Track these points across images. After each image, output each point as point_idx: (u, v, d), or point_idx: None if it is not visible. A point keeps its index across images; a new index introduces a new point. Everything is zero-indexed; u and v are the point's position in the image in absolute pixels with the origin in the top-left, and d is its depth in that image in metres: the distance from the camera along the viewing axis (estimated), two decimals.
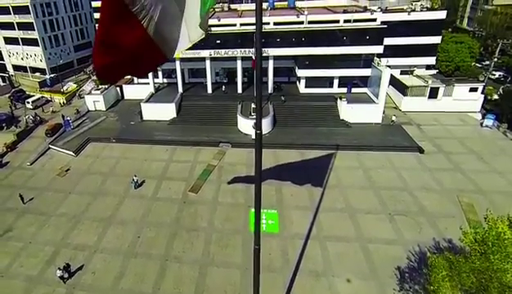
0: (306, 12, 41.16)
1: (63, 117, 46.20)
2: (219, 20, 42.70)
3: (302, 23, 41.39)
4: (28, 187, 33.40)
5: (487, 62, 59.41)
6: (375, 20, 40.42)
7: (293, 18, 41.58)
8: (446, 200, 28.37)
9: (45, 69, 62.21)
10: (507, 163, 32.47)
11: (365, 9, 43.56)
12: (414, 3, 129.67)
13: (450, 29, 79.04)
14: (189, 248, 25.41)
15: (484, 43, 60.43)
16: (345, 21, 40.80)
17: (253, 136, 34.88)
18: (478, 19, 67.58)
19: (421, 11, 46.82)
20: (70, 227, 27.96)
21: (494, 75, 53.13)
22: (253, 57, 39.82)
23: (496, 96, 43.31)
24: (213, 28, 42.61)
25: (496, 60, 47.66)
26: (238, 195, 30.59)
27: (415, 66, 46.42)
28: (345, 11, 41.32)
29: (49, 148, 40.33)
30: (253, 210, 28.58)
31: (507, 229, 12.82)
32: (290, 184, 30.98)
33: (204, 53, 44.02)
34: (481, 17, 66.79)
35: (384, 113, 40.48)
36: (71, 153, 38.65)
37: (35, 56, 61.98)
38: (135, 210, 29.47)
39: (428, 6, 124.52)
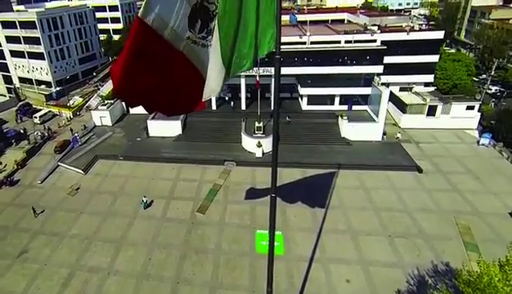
0: (308, 33, 42.40)
1: (71, 130, 47.77)
2: None
3: (304, 43, 42.62)
4: (40, 206, 34.40)
5: (484, 76, 60.85)
6: (375, 41, 41.69)
7: (296, 38, 42.80)
8: (444, 222, 29.59)
9: (50, 82, 63.28)
10: (502, 184, 33.73)
11: (365, 29, 44.85)
12: (413, 10, 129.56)
13: (448, 40, 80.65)
14: (198, 271, 26.57)
15: (481, 57, 61.79)
16: (346, 42, 42.06)
17: (257, 155, 35.99)
18: (476, 32, 68.95)
19: (420, 29, 48.06)
20: (83, 248, 29.09)
21: (491, 90, 54.56)
22: (257, 77, 40.96)
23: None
24: None
25: (492, 75, 49.24)
26: (244, 216, 31.77)
27: (413, 83, 47.68)
28: (346, 32, 42.59)
29: (58, 165, 41.46)
30: (258, 231, 29.92)
31: (498, 272, 14.03)
32: (294, 205, 32.13)
33: None
34: (478, 30, 68.16)
35: (385, 134, 41.63)
36: (80, 171, 39.75)
37: (41, 69, 63.10)
38: (145, 231, 30.62)
39: (427, 13, 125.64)
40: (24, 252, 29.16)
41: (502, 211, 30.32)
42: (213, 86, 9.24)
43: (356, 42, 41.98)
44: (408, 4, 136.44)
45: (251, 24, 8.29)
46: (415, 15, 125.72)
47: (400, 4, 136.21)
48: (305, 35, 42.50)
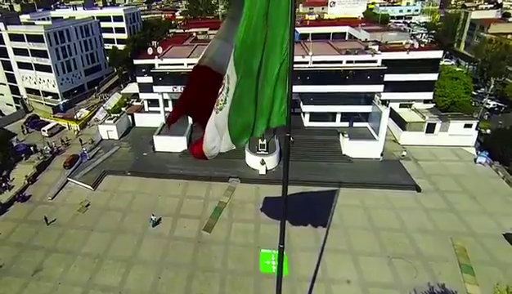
0: (311, 53, 43.65)
1: (81, 141, 50.00)
2: None
3: (307, 63, 43.88)
4: (52, 224, 35.78)
5: (483, 89, 62.07)
6: (375, 61, 42.96)
7: (299, 58, 43.97)
8: (441, 243, 30.78)
9: (57, 94, 64.58)
10: (497, 204, 34.92)
11: (366, 48, 46.10)
12: (414, 17, 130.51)
13: (447, 52, 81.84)
14: (206, 290, 27.82)
15: (480, 71, 62.96)
16: (347, 62, 43.35)
17: (261, 172, 37.28)
18: (475, 46, 70.16)
19: (420, 47, 49.25)
20: (95, 267, 30.34)
21: (489, 105, 55.79)
22: None
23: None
24: None
25: (490, 92, 50.56)
26: (248, 235, 33.01)
27: (413, 100, 48.92)
28: (348, 53, 43.84)
29: (68, 181, 42.70)
30: (263, 251, 31.16)
31: None
32: (297, 223, 33.36)
33: None
34: (477, 44, 69.35)
35: (382, 155, 42.72)
36: (89, 186, 40.99)
37: (48, 81, 64.38)
38: (154, 249, 31.86)
39: (427, 20, 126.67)
40: (38, 270, 30.42)
41: (497, 232, 31.48)
42: (227, 143, 10.78)
43: (357, 61, 43.24)
44: (409, 11, 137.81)
45: (257, 91, 9.42)
46: (415, 23, 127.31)
47: (401, 11, 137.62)
48: (307, 55, 43.74)
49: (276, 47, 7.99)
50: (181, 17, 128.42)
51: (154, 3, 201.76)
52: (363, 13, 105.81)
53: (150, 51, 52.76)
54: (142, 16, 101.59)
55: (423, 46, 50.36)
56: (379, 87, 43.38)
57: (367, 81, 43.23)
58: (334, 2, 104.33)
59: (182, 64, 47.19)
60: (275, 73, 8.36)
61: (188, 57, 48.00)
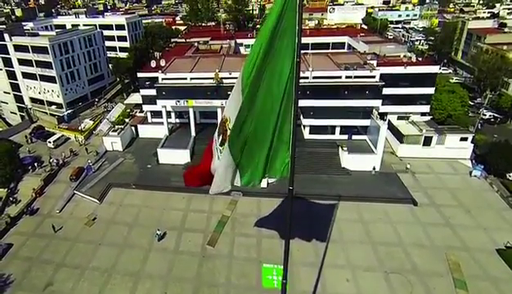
0: (311, 68, 44.78)
1: (87, 150, 51.79)
2: (230, 74, 46.33)
3: (307, 78, 45.04)
4: (60, 237, 36.97)
5: (479, 99, 63.30)
6: (374, 76, 44.15)
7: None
8: (436, 258, 31.97)
9: (61, 104, 65.68)
10: (491, 218, 36.14)
11: (364, 63, 47.26)
12: (412, 22, 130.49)
13: (445, 60, 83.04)
14: None
15: (477, 81, 64.05)
16: (347, 77, 44.53)
17: (262, 185, 38.19)
18: (472, 56, 71.29)
19: (417, 61, 50.43)
20: (104, 281, 31.48)
21: (485, 115, 56.99)
22: None
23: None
24: (224, 81, 46.47)
25: (486, 103, 51.73)
26: (251, 250, 34.20)
27: (410, 113, 50.08)
28: (347, 68, 44.95)
29: (74, 193, 43.83)
30: (265, 265, 32.38)
31: None
32: (297, 237, 34.50)
33: (216, 103, 47.80)
34: (474, 54, 70.46)
35: (374, 168, 43.86)
36: (95, 200, 42.11)
37: (52, 92, 65.46)
38: (160, 264, 33.02)
39: (426, 26, 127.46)
40: (49, 285, 31.55)
41: (490, 246, 32.69)
42: (219, 183, 11.89)
43: (356, 77, 44.42)
44: (408, 16, 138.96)
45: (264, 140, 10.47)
46: (413, 28, 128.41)
47: (399, 16, 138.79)
48: (308, 70, 44.86)
49: (275, 77, 8.45)
50: (182, 22, 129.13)
51: (155, 6, 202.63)
52: (362, 19, 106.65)
53: (153, 63, 53.82)
54: (143, 21, 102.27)
55: (420, 59, 51.45)
56: (378, 102, 44.53)
57: (366, 96, 44.40)
58: (333, 9, 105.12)
59: (185, 79, 48.27)
60: (279, 96, 8.78)
61: (191, 71, 49.02)
